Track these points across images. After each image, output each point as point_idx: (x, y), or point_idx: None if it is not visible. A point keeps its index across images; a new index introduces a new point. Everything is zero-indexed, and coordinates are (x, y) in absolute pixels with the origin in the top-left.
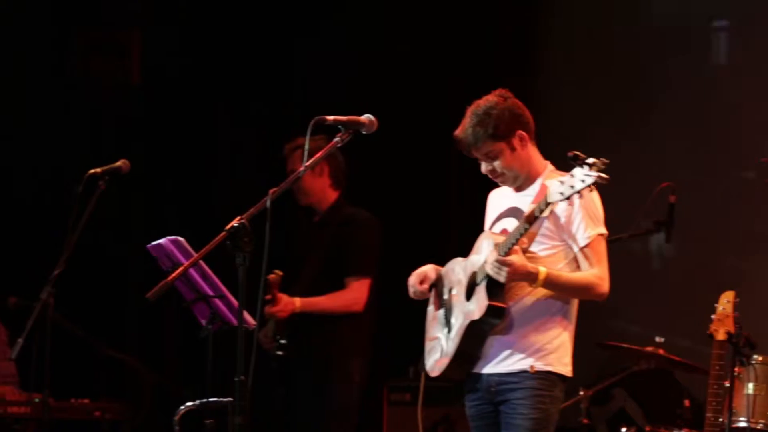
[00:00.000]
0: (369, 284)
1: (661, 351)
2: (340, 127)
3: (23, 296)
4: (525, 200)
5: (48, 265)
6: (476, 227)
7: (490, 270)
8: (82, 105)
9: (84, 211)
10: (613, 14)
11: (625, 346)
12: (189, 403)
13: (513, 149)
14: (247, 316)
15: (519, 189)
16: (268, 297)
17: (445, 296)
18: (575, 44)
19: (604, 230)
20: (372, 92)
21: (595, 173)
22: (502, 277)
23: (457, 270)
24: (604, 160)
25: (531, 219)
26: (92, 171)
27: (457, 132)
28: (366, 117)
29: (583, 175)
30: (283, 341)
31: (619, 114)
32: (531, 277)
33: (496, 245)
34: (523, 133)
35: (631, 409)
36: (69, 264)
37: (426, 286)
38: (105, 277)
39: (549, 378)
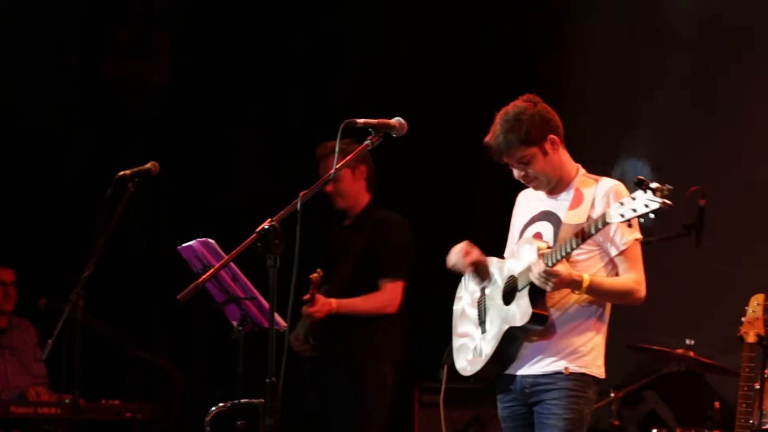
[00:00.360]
0: (402, 286)
1: (691, 353)
2: (370, 130)
3: (53, 298)
4: (560, 205)
5: (78, 267)
6: (504, 228)
7: (536, 279)
8: (111, 107)
9: (113, 212)
10: (634, 12)
11: (656, 348)
12: (220, 404)
13: (545, 154)
14: (277, 317)
15: (551, 192)
16: (307, 296)
17: (477, 294)
18: (597, 44)
19: (639, 235)
20: (409, 96)
21: (659, 199)
22: (549, 287)
23: (492, 270)
24: (668, 186)
25: (585, 236)
26: (121, 173)
27: (488, 139)
28: (396, 120)
29: (646, 200)
30: (315, 342)
31: (647, 115)
32: (575, 285)
33: (541, 254)
34: (555, 137)
35: (662, 410)
36: (99, 265)
37: (470, 260)
38: (135, 279)
39: (583, 379)
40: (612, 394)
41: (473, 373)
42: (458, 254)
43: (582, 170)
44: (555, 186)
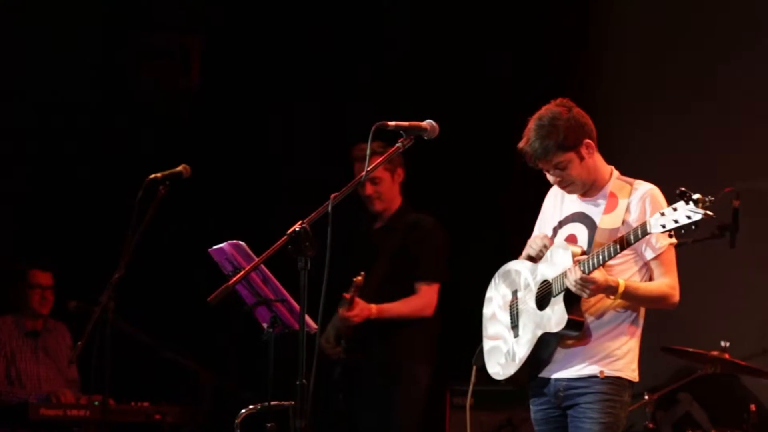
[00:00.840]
0: (438, 289)
1: (726, 355)
2: (401, 132)
3: (84, 300)
4: (594, 209)
5: (109, 270)
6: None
7: (572, 285)
8: (142, 110)
9: (144, 215)
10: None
11: (691, 350)
12: (250, 407)
13: (581, 158)
14: (308, 319)
15: (585, 195)
16: (348, 295)
17: (509, 297)
18: (631, 46)
19: (674, 240)
20: (428, 97)
21: (701, 210)
22: (585, 294)
23: (524, 273)
24: (711, 197)
25: (624, 244)
26: (153, 176)
27: (522, 144)
28: (428, 122)
29: (688, 211)
30: (348, 345)
31: (680, 115)
32: (611, 290)
33: (577, 261)
34: (590, 141)
35: (697, 413)
36: (129, 268)
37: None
38: (166, 281)
39: (618, 383)
40: (646, 397)
41: (506, 377)
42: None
43: (616, 172)
44: (589, 189)
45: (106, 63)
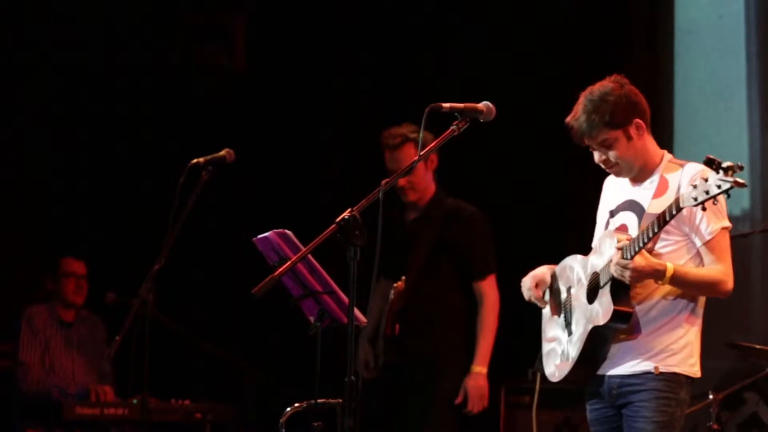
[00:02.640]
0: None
1: None
2: (456, 114)
3: (122, 292)
4: (644, 194)
5: (149, 260)
6: (593, 222)
7: (614, 272)
8: (185, 92)
9: (186, 202)
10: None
11: (758, 347)
12: (296, 405)
13: (629, 138)
14: (357, 313)
15: (635, 180)
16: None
17: (563, 295)
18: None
19: (727, 223)
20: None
21: (731, 179)
22: (626, 279)
23: (577, 269)
24: (740, 164)
25: (661, 222)
26: (195, 161)
27: (570, 119)
28: (484, 104)
29: (718, 180)
30: (385, 347)
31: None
32: (658, 275)
33: (620, 247)
34: (640, 122)
35: (764, 414)
36: (170, 258)
37: (541, 291)
38: (208, 272)
39: (674, 380)
40: (711, 396)
41: (561, 378)
42: (529, 290)
43: (668, 156)
44: (638, 173)
45: (149, 43)
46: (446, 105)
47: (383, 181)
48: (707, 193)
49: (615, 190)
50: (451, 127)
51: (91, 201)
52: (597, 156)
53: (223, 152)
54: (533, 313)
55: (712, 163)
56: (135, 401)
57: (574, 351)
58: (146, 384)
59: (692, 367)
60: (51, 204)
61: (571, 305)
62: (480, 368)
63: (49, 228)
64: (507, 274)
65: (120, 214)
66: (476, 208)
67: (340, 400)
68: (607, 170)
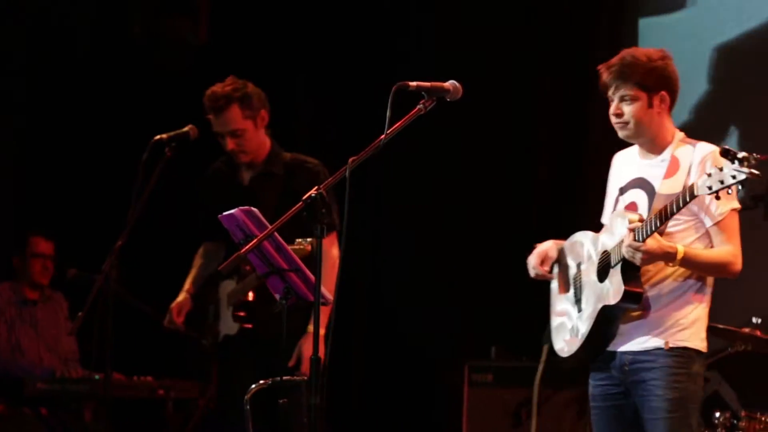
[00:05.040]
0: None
1: (758, 332)
2: (423, 93)
3: (85, 268)
4: (654, 172)
5: (111, 237)
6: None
7: (626, 253)
8: (147, 67)
9: (149, 179)
10: None
11: (720, 327)
12: (261, 382)
13: (651, 105)
14: (324, 290)
15: (644, 155)
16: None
17: (573, 270)
18: None
19: (737, 204)
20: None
21: (746, 170)
22: (638, 261)
23: (587, 245)
24: (756, 155)
25: (674, 209)
26: (158, 137)
27: (603, 66)
28: (450, 83)
29: (734, 170)
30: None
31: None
32: (669, 257)
33: (631, 229)
34: (666, 95)
35: (726, 393)
36: (133, 235)
37: (547, 267)
38: (172, 249)
39: (685, 354)
40: None
41: (570, 354)
42: (535, 267)
43: (680, 135)
44: (648, 146)
45: (112, 16)
46: (413, 84)
47: (350, 159)
48: (722, 182)
49: (625, 166)
50: (418, 106)
51: (54, 177)
52: (613, 107)
53: (186, 128)
54: (496, 292)
55: (727, 154)
56: (97, 377)
57: (584, 327)
58: (109, 360)
59: (702, 342)
60: (13, 179)
61: (581, 281)
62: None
63: (11, 204)
64: (467, 255)
65: (83, 191)
66: (318, 161)
67: (305, 378)
68: (614, 125)
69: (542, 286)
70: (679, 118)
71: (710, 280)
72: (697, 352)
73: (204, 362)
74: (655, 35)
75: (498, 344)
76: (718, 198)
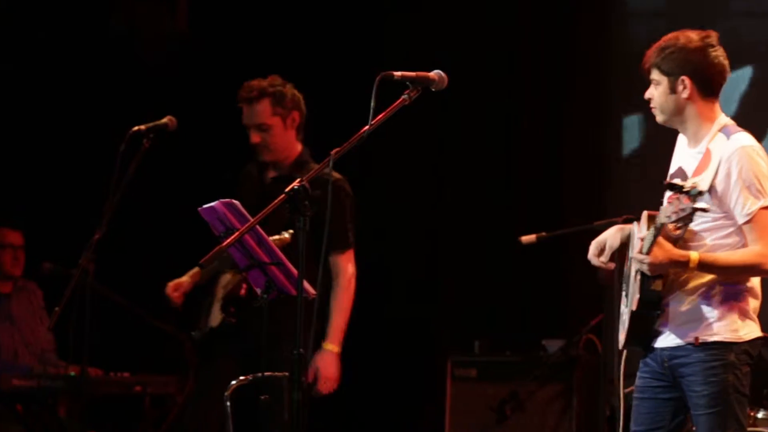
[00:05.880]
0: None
1: None
2: (408, 83)
3: (61, 262)
4: (691, 164)
5: (87, 229)
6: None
7: (635, 264)
8: (125, 55)
9: (127, 170)
10: None
11: None
12: (241, 378)
13: (672, 90)
14: (306, 285)
15: (689, 142)
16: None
17: (628, 263)
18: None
19: (767, 202)
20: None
21: (691, 204)
22: (647, 271)
23: (634, 237)
24: (699, 189)
25: (657, 229)
26: (136, 128)
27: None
28: (436, 73)
29: (684, 205)
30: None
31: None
32: (681, 265)
33: (642, 238)
34: (688, 80)
35: None
36: (111, 228)
37: (605, 258)
38: (150, 243)
39: (716, 347)
40: None
41: (621, 347)
42: (593, 260)
43: (721, 122)
44: (687, 134)
45: (89, 5)
46: (397, 73)
47: (332, 151)
48: (676, 214)
49: (678, 150)
50: (402, 96)
51: (29, 169)
52: (648, 91)
53: (165, 120)
54: (478, 287)
55: (673, 188)
56: (73, 373)
57: (625, 324)
58: (85, 356)
59: (737, 332)
60: None
61: (629, 274)
62: (332, 347)
63: None
64: (449, 250)
65: (58, 182)
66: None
67: (286, 374)
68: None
69: (527, 281)
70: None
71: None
72: (731, 343)
73: (183, 357)
74: None
75: (482, 339)
76: (728, 177)
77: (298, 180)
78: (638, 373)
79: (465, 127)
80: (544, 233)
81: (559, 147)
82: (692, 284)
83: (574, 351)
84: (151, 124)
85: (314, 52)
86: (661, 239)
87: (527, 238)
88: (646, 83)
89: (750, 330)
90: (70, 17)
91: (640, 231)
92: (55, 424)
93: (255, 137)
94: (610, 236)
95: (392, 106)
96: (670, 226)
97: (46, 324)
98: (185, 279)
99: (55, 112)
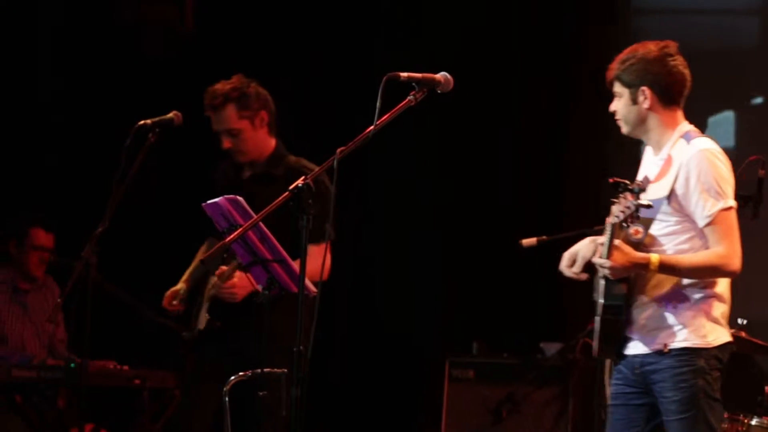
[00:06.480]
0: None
1: (742, 333)
2: (414, 85)
3: (65, 255)
4: (653, 170)
5: (91, 223)
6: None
7: (598, 269)
8: (131, 53)
9: (132, 165)
10: None
11: None
12: (240, 374)
13: (634, 101)
14: (308, 282)
15: (653, 150)
16: (224, 267)
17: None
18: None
19: (728, 203)
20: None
21: (634, 202)
22: (608, 275)
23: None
24: (639, 183)
25: (611, 231)
26: (142, 123)
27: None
28: (441, 75)
29: (629, 202)
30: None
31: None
32: (641, 269)
33: (601, 243)
34: (648, 90)
35: None
36: (114, 221)
37: (577, 268)
38: (154, 237)
39: (685, 352)
40: None
41: (595, 354)
42: (563, 269)
43: (683, 129)
44: (651, 143)
45: (97, 2)
46: (404, 74)
47: (338, 150)
48: (623, 212)
49: (644, 160)
50: (408, 98)
51: (36, 162)
52: (612, 104)
53: (170, 114)
54: (477, 288)
55: (617, 186)
56: (73, 365)
57: (597, 328)
58: (86, 348)
59: (704, 338)
60: None
61: (598, 283)
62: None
63: None
64: (451, 250)
65: (62, 176)
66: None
67: (285, 370)
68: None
69: (526, 283)
70: None
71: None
72: (701, 349)
73: (181, 353)
74: None
75: (479, 340)
76: (688, 180)
77: (302, 178)
78: (612, 381)
79: (465, 129)
80: (544, 237)
81: (561, 151)
82: (659, 291)
83: (571, 354)
84: (156, 119)
85: (319, 52)
86: (620, 243)
87: (528, 241)
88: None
89: (718, 335)
90: (77, 13)
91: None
92: (54, 415)
93: (226, 143)
94: (583, 247)
95: (398, 107)
96: (631, 230)
97: (60, 318)
98: (180, 286)
99: (61, 106)
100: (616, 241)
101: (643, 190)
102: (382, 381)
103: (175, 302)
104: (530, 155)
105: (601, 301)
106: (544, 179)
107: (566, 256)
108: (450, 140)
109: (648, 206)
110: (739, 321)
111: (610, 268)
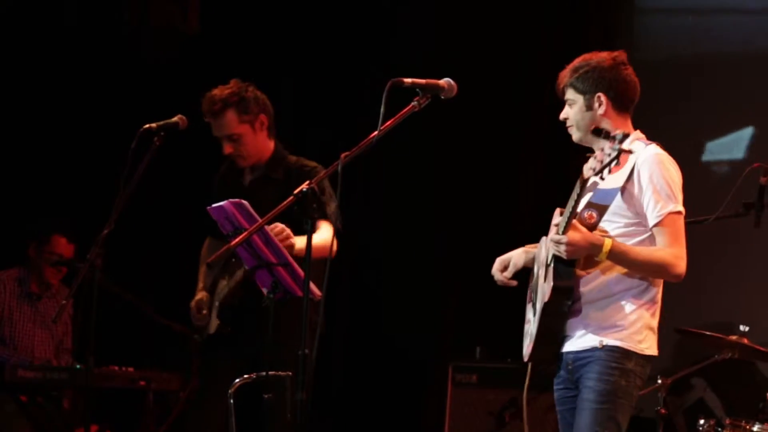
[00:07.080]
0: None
1: (745, 340)
2: (417, 90)
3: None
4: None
5: (97, 225)
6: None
7: (551, 248)
8: (137, 56)
9: (137, 168)
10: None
11: (708, 333)
12: (245, 376)
13: (589, 108)
14: (313, 286)
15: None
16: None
17: (534, 277)
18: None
19: (678, 207)
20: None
21: (617, 147)
22: (563, 254)
23: (543, 249)
24: (620, 132)
25: (577, 194)
26: (147, 126)
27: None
28: (445, 81)
29: (609, 149)
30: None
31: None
32: (595, 249)
33: (556, 224)
34: (603, 97)
35: (711, 400)
36: (120, 224)
37: (509, 274)
38: (159, 240)
39: (619, 351)
40: (659, 381)
41: (528, 357)
42: (494, 274)
43: (638, 135)
44: (600, 147)
45: (101, 3)
46: (408, 80)
47: (342, 155)
48: (602, 162)
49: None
50: (412, 103)
51: (42, 165)
52: (563, 112)
53: (176, 118)
54: (482, 293)
55: (599, 133)
56: (78, 366)
57: (534, 329)
58: (91, 349)
59: (640, 344)
60: None
61: (536, 285)
62: None
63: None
64: (454, 253)
65: (68, 179)
66: (318, 165)
67: (290, 373)
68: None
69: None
70: None
71: (657, 284)
72: (635, 353)
73: (187, 356)
74: None
75: (483, 345)
76: (602, 179)
77: (307, 182)
78: (554, 387)
79: (469, 131)
80: None
81: (563, 153)
82: (607, 291)
83: None
84: (162, 123)
85: (322, 56)
86: (576, 223)
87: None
88: (648, 93)
89: (650, 345)
90: (82, 15)
91: (554, 219)
92: (59, 416)
93: (228, 148)
94: (515, 255)
95: (402, 113)
96: (586, 215)
97: (69, 325)
98: (202, 294)
99: (66, 109)
100: (573, 221)
101: (627, 135)
102: (385, 385)
103: (205, 311)
104: (535, 158)
105: (552, 283)
106: (549, 182)
107: (498, 261)
108: (454, 143)
109: (630, 152)
110: (741, 328)
111: (567, 244)
